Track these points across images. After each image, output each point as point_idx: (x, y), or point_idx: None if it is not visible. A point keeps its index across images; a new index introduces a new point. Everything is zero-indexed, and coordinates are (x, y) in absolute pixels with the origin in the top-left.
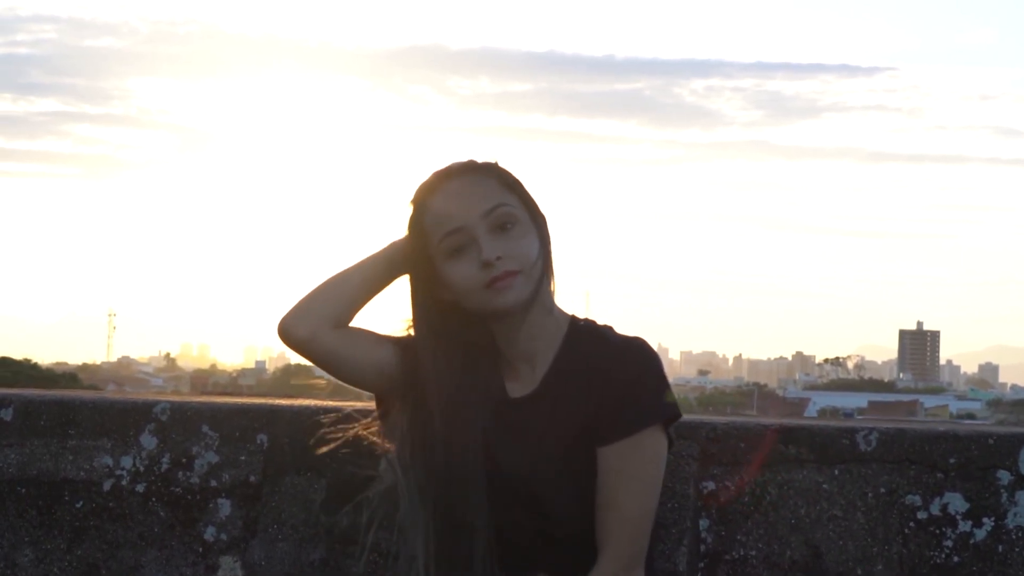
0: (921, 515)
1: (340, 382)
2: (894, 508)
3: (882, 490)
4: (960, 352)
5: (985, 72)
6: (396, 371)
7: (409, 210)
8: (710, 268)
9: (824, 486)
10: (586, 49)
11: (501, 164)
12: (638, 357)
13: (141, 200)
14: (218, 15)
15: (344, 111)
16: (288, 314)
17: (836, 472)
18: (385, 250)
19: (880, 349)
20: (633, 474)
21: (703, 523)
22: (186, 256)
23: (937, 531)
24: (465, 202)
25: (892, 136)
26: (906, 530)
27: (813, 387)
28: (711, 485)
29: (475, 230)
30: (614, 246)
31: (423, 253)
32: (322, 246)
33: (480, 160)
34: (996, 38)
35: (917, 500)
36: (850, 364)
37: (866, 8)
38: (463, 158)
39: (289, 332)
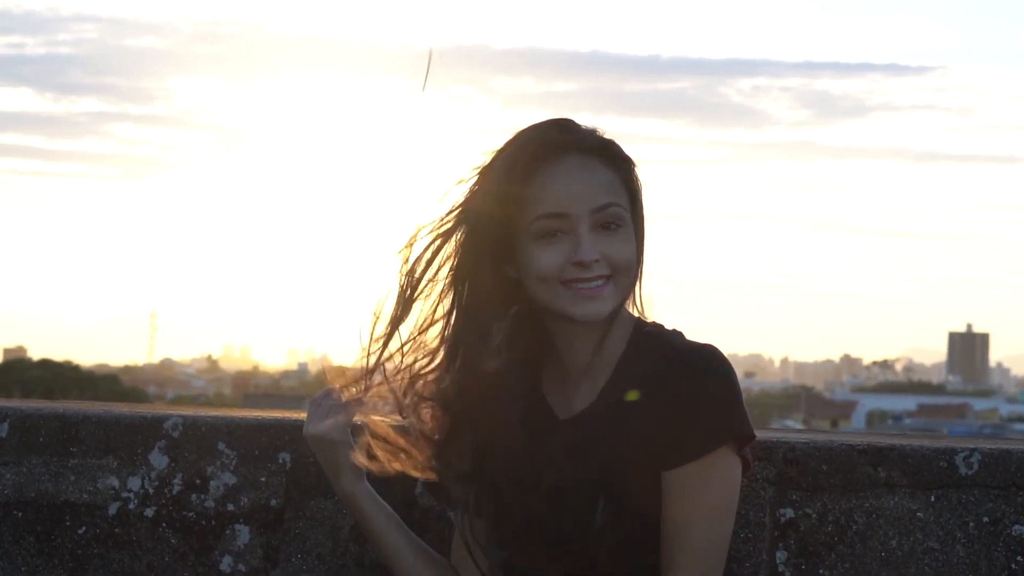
0: None
1: None
2: (999, 540)
3: (985, 519)
4: (1010, 354)
5: None
6: None
7: (510, 163)
8: (756, 269)
9: (919, 514)
10: (631, 49)
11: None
12: (708, 368)
13: (183, 201)
14: (260, 15)
15: (387, 111)
16: None
17: (932, 498)
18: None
19: (928, 351)
20: (702, 501)
21: (780, 555)
22: (228, 257)
23: None
24: (578, 188)
25: (941, 136)
26: (1013, 565)
27: (861, 389)
28: (789, 512)
29: (579, 223)
30: (659, 247)
31: (507, 219)
32: (364, 248)
33: (605, 136)
34: None
35: None
36: (898, 366)
37: (915, 6)
38: (582, 119)
39: None
